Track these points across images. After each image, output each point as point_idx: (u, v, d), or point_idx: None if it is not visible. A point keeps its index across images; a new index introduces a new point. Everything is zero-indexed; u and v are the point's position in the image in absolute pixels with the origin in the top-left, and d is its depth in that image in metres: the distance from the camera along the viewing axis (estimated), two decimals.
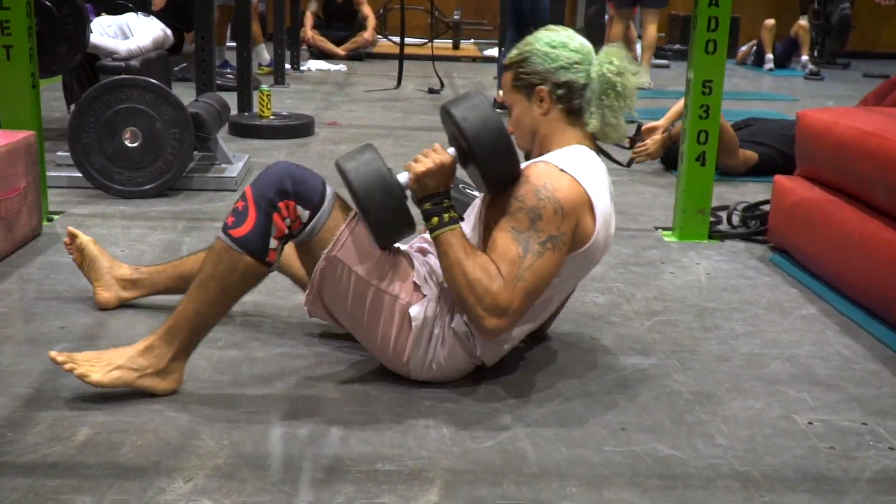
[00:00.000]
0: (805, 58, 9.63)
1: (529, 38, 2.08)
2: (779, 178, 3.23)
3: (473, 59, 9.98)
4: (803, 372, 2.21)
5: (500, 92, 6.11)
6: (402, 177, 1.96)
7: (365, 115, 5.98)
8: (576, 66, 2.02)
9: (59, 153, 3.85)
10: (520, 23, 5.92)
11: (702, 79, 3.22)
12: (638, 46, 9.67)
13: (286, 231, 1.91)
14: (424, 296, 2.00)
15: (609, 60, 2.02)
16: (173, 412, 1.89)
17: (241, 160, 4.09)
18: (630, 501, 1.65)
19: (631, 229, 3.43)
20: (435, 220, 1.93)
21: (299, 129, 5.07)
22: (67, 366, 1.86)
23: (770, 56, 9.72)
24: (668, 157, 4.42)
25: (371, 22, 9.28)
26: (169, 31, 4.69)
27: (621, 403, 2.02)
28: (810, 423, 1.97)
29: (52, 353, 1.88)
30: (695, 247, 3.24)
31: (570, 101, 2.04)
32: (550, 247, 1.90)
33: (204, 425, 1.83)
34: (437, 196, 1.95)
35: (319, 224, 1.92)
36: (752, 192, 4.00)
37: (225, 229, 1.90)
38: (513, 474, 1.72)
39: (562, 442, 1.85)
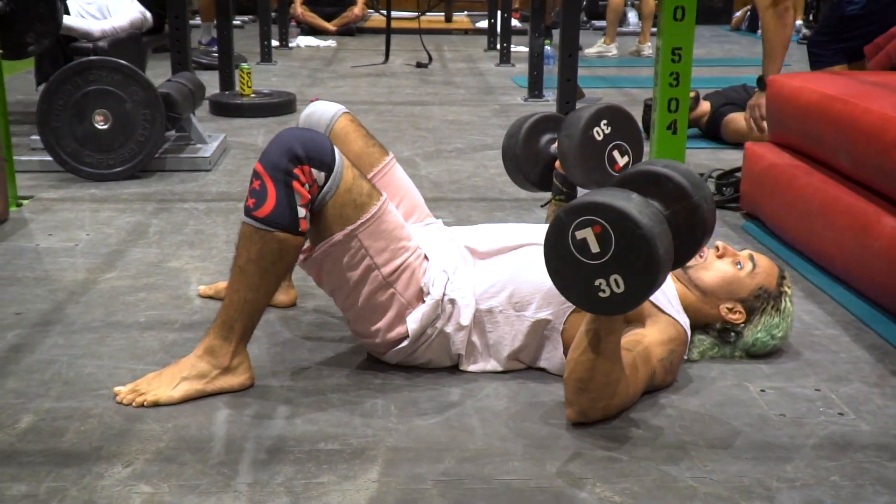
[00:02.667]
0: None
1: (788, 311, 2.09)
2: (750, 144, 3.20)
3: (465, 32, 9.91)
4: None
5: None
6: None
7: (349, 90, 5.94)
8: (758, 341, 2.09)
9: (33, 137, 3.83)
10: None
11: (671, 46, 3.17)
12: (631, 15, 9.64)
13: (309, 196, 1.83)
14: (424, 301, 1.96)
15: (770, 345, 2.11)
16: None
17: (217, 140, 4.07)
18: (571, 473, 1.64)
19: None
20: None
21: (280, 106, 5.04)
22: (136, 402, 1.83)
23: None
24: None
25: None
26: (148, 14, 4.65)
27: None
28: (763, 390, 1.96)
29: (117, 392, 1.87)
30: None
31: (726, 334, 2.09)
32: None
33: (150, 409, 1.82)
34: None
35: (335, 185, 1.84)
36: (731, 158, 3.97)
37: (248, 213, 1.82)
38: (456, 450, 1.71)
39: (510, 417, 1.84)
